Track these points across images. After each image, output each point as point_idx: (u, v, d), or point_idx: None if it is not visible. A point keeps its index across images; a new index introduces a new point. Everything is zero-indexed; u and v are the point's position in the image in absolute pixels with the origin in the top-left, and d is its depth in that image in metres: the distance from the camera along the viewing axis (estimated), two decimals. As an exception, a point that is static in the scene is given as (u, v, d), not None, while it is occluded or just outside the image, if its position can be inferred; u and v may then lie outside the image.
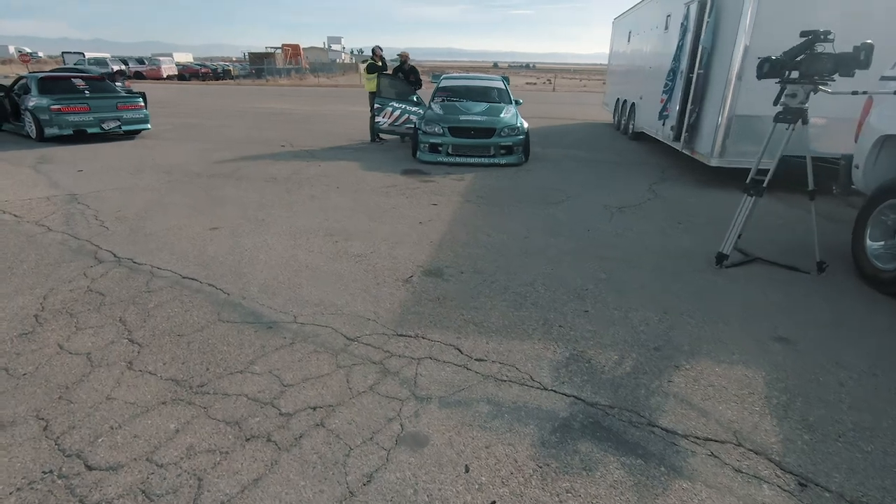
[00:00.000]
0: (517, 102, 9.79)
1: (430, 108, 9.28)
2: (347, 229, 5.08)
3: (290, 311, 3.38)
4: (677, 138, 8.66)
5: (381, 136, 10.72)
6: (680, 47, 8.60)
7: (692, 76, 7.78)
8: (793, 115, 4.03)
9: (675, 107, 8.67)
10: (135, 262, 4.14)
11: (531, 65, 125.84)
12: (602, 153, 10.26)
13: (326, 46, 72.19)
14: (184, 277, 3.87)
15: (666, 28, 9.84)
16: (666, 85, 8.93)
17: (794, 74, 4.06)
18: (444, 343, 3.02)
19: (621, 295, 3.73)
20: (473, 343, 3.03)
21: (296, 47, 52.58)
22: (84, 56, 34.32)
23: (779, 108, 4.20)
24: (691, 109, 7.52)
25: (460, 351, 2.94)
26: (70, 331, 3.09)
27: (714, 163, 7.02)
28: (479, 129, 8.49)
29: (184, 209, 5.70)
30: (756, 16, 6.37)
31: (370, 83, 10.46)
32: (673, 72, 8.79)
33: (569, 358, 2.89)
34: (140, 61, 40.31)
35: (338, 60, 66.05)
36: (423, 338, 3.07)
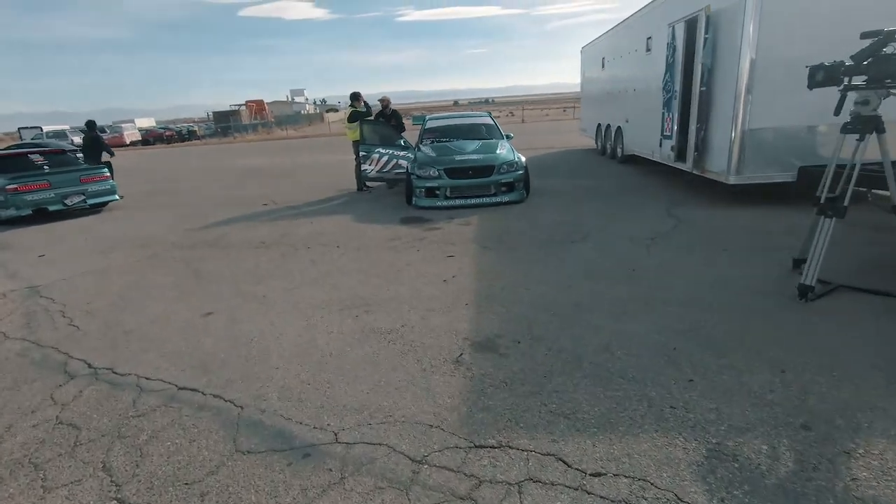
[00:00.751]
0: (508, 137, 9.33)
1: (419, 150, 8.72)
2: (364, 298, 4.35)
3: (326, 424, 2.61)
4: (681, 158, 8.28)
5: (368, 184, 10.10)
6: (670, 66, 8.33)
7: (691, 94, 7.46)
8: (865, 125, 3.55)
9: (674, 126, 8.34)
10: (116, 374, 3.31)
11: (490, 100, 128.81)
12: (600, 180, 9.83)
13: (290, 99, 72.38)
14: (181, 389, 3.06)
15: (648, 49, 9.63)
16: (666, 105, 8.62)
17: (852, 80, 3.61)
18: (540, 453, 2.29)
19: (717, 351, 3.08)
20: (577, 448, 2.31)
21: (260, 102, 52.35)
22: (42, 130, 33.12)
23: (816, 117, 3.72)
24: (698, 128, 7.14)
25: (566, 463, 2.22)
26: (35, 496, 2.26)
27: (733, 180, 6.58)
28: (477, 167, 7.95)
29: (167, 291, 4.89)
30: (758, 30, 6.07)
31: (353, 132, 9.90)
32: (667, 91, 8.50)
33: (709, 457, 2.20)
34: (101, 130, 39.11)
35: (302, 112, 66.08)
36: (510, 447, 2.34)
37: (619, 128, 11.71)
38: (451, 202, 7.91)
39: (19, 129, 36.09)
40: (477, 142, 8.87)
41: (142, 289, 5.02)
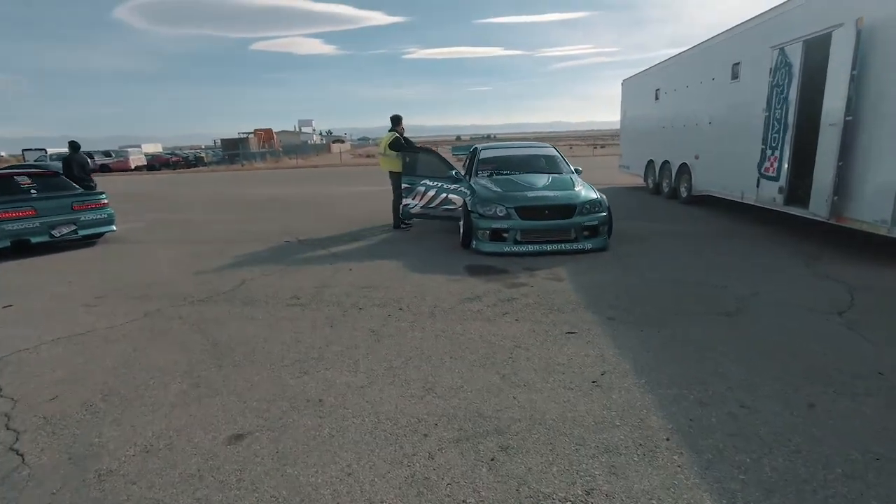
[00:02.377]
0: (577, 171, 7.85)
1: (477, 184, 7.21)
2: (485, 415, 2.71)
3: None
4: (794, 202, 6.81)
5: (406, 221, 8.57)
6: (778, 94, 6.93)
7: (820, 126, 6.04)
8: None
9: (783, 165, 6.89)
10: None
11: (492, 136, 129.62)
12: (680, 224, 8.29)
13: (297, 129, 71.87)
14: None
15: (735, 77, 8.27)
16: (769, 139, 7.19)
17: None
18: None
19: None
20: None
21: (268, 131, 51.46)
22: (46, 152, 31.78)
23: None
24: (840, 167, 5.66)
25: None
26: None
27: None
28: (555, 206, 6.42)
29: (173, 382, 3.25)
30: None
31: (390, 161, 8.41)
32: (771, 124, 7.08)
33: None
34: (106, 153, 37.47)
35: (309, 142, 65.41)
36: None
37: (683, 165, 10.29)
38: (523, 248, 6.35)
39: (23, 150, 34.79)
40: (545, 175, 7.38)
41: (135, 375, 3.38)
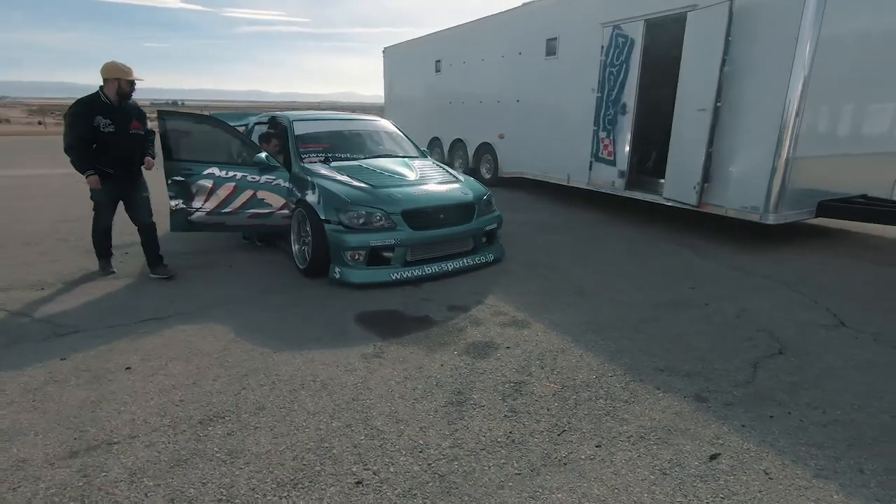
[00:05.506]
0: (424, 153, 5.90)
1: (323, 178, 4.49)
2: None
3: None
4: (637, 186, 6.59)
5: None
6: (614, 75, 6.50)
7: (678, 112, 5.76)
8: None
9: (623, 148, 6.57)
10: None
11: (180, 102, 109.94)
12: (525, 212, 7.25)
13: None
14: None
15: (552, 53, 7.64)
16: (603, 121, 6.72)
17: None
18: None
19: None
20: None
21: None
22: None
23: None
24: (708, 153, 5.44)
25: None
26: None
27: (772, 219, 5.11)
28: (451, 207, 4.42)
29: None
30: (816, 42, 4.66)
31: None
32: (606, 105, 6.65)
33: None
34: None
35: None
36: None
37: (485, 144, 9.45)
38: (419, 272, 4.19)
39: None
40: (404, 161, 5.19)
41: None
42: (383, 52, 12.97)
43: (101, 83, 4.03)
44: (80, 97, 4.06)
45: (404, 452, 2.12)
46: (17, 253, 4.98)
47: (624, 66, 6.35)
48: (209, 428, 2.28)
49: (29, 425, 2.30)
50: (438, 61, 10.63)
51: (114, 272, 4.40)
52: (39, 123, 33.52)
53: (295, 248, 4.55)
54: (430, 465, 2.05)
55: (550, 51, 7.65)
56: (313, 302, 3.84)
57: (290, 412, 2.41)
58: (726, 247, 5.47)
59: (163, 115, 4.57)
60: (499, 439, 2.21)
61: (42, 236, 5.58)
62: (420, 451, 2.13)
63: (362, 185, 4.33)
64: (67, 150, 3.94)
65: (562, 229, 6.37)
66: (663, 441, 2.20)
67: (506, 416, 2.38)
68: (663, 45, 6.22)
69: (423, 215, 4.23)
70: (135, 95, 4.21)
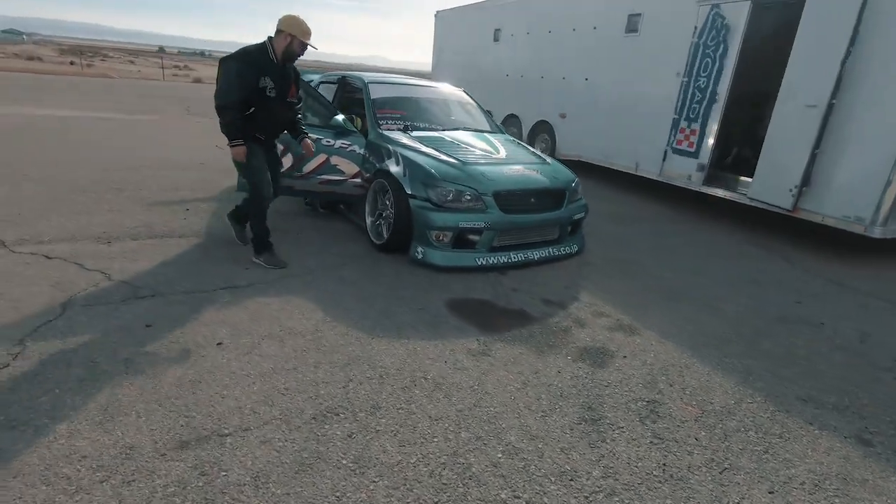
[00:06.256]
0: (500, 128, 5.51)
1: (407, 148, 4.15)
2: None
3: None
4: (715, 182, 6.17)
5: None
6: (707, 60, 6.00)
7: (781, 106, 5.28)
8: None
9: (709, 140, 6.11)
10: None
11: (207, 52, 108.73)
12: (598, 200, 6.91)
13: None
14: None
15: (633, 30, 7.10)
16: (687, 109, 6.25)
17: None
18: None
19: None
20: None
21: None
22: None
23: None
24: (813, 155, 4.99)
25: None
26: None
27: (878, 233, 4.69)
28: (543, 191, 4.08)
29: None
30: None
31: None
32: (700, 92, 6.16)
33: None
34: None
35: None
36: None
37: (542, 123, 8.99)
38: (505, 259, 3.89)
39: None
40: (483, 137, 4.82)
41: None
42: (435, 15, 12.38)
43: (271, 35, 3.35)
44: (245, 46, 3.40)
45: (553, 479, 1.87)
46: (74, 200, 4.76)
47: (720, 50, 5.84)
48: (325, 426, 2.05)
49: (129, 403, 2.09)
50: (498, 30, 10.06)
51: (285, 265, 3.62)
52: (72, 63, 33.26)
53: (369, 220, 4.26)
54: (586, 497, 1.80)
55: (631, 27, 7.11)
56: (394, 280, 3.58)
57: (409, 415, 2.16)
58: (819, 256, 5.08)
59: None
60: (654, 472, 1.95)
61: (94, 185, 5.35)
62: (570, 480, 1.87)
63: (451, 159, 3.99)
64: (222, 108, 3.22)
65: (630, 221, 6.00)
66: (844, 493, 1.92)
67: (652, 442, 2.11)
68: (767, 30, 5.71)
69: (515, 198, 3.90)
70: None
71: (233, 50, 3.53)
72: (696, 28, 6.08)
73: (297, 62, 3.59)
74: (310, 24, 3.41)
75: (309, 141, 3.79)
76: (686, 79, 6.26)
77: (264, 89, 3.28)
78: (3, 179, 5.21)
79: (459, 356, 2.67)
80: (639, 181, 7.36)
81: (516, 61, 9.60)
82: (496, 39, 10.14)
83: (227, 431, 1.98)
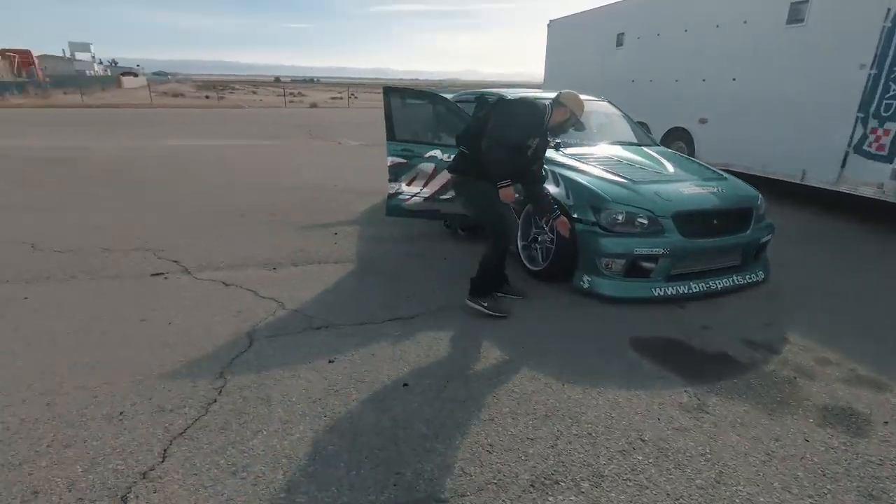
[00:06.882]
0: (655, 141, 5.02)
1: (566, 168, 3.85)
2: None
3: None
4: (924, 191, 5.12)
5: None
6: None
7: None
8: None
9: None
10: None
11: (315, 79, 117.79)
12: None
13: (68, 55, 54.22)
14: None
15: (797, 19, 6.22)
16: (877, 105, 5.29)
17: None
18: None
19: None
20: None
21: (26, 54, 36.85)
22: None
23: None
24: None
25: None
26: None
27: None
28: (727, 211, 3.57)
29: None
30: None
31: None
32: (889, 85, 5.18)
33: None
34: None
35: (89, 72, 49.78)
36: None
37: (677, 130, 8.23)
38: (684, 290, 3.43)
39: None
40: (645, 151, 4.39)
41: None
42: (548, 25, 12.03)
43: (551, 102, 3.17)
44: (532, 99, 3.34)
45: None
46: (236, 225, 5.07)
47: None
48: (549, 498, 1.78)
49: (334, 453, 1.99)
50: (621, 34, 9.47)
51: (507, 315, 3.23)
52: (206, 97, 37.55)
53: (520, 244, 4.01)
54: None
55: (795, 16, 6.22)
56: (559, 312, 3.27)
57: (641, 489, 1.83)
58: None
59: (388, 91, 4.24)
60: None
61: (251, 209, 5.70)
62: None
63: (618, 178, 3.62)
64: (496, 146, 2.99)
65: (806, 238, 5.16)
66: None
67: None
68: None
69: (697, 220, 3.42)
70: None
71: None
72: (889, 11, 5.13)
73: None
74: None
75: (564, 220, 3.27)
76: (875, 70, 5.29)
77: (530, 146, 3.12)
78: (170, 206, 5.74)
79: (672, 412, 2.28)
80: (788, 190, 6.39)
81: (644, 66, 8.93)
82: (619, 44, 9.55)
83: (443, 497, 1.79)
